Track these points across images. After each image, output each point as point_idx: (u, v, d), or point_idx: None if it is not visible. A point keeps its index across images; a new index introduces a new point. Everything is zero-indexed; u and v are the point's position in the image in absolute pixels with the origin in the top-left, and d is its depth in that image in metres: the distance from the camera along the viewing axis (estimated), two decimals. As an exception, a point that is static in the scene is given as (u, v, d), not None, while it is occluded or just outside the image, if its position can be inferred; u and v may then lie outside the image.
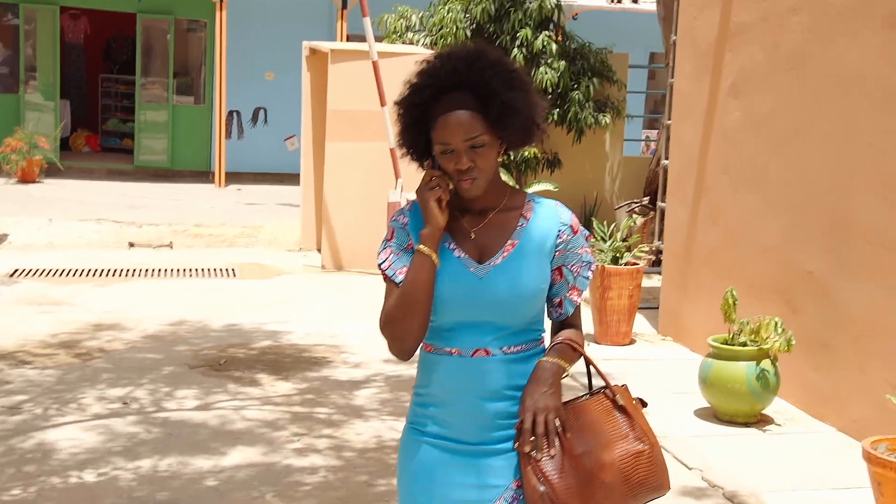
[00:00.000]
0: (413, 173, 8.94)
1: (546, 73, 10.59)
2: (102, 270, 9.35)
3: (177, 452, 4.87)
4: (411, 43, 11.11)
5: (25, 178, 14.20)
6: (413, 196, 8.47)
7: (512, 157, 10.74)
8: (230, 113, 16.30)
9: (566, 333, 2.36)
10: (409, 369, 6.46)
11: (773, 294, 5.99)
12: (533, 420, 2.20)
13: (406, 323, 2.25)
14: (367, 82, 9.38)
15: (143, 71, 16.82)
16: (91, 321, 7.41)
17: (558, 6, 11.07)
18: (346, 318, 7.76)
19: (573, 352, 2.33)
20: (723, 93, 6.55)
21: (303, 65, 10.85)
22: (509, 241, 2.32)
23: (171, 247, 10.77)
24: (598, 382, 2.38)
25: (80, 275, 9.15)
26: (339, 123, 9.78)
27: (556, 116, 10.93)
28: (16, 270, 9.14)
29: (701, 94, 6.83)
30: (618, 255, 7.11)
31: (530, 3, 10.74)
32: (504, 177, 8.27)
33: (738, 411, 5.47)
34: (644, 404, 2.37)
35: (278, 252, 10.73)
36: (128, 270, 9.40)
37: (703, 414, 5.64)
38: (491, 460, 2.28)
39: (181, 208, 12.93)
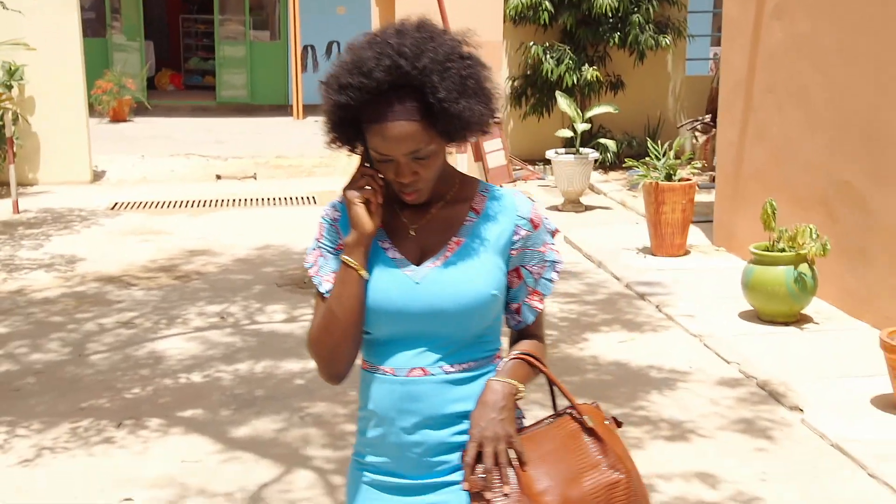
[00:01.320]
0: None
1: (605, -2, 10.89)
2: (193, 202, 10.07)
3: (269, 358, 5.54)
4: (475, -27, 11.45)
5: (116, 118, 15.03)
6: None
7: (576, 81, 11.11)
8: (305, 47, 16.86)
9: (524, 346, 2.03)
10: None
11: (816, 205, 6.37)
12: (481, 452, 1.88)
13: (331, 346, 1.96)
14: (432, 14, 9.80)
15: (220, 9, 17.45)
16: (186, 247, 8.12)
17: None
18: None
19: (529, 368, 1.99)
20: (767, 15, 6.87)
21: (371, 0, 11.32)
22: (454, 239, 1.97)
23: (255, 178, 11.45)
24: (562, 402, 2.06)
25: (174, 206, 9.88)
26: (408, 55, 10.24)
27: (616, 40, 11.24)
28: (116, 204, 9.93)
29: (747, 16, 7.15)
30: (671, 171, 7.52)
31: (589, -71, 11.00)
32: (563, 102, 8.63)
33: (777, 311, 5.92)
34: (619, 424, 2.04)
35: (355, 180, 11.32)
36: (216, 201, 10.11)
37: (746, 316, 6.09)
38: (431, 496, 1.97)
39: (262, 141, 13.60)
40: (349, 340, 1.96)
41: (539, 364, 2.00)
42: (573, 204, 9.59)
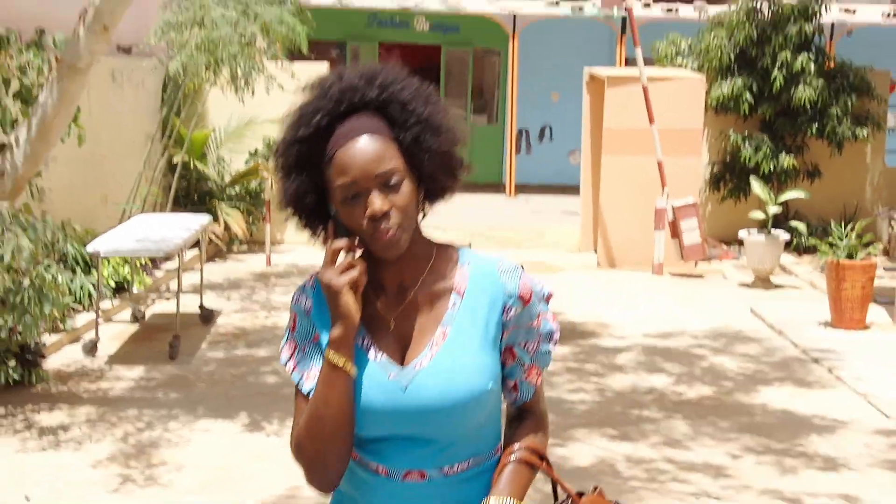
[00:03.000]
0: (678, 182, 10.50)
1: (804, 91, 11.60)
2: (416, 263, 11.39)
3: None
4: (680, 66, 12.44)
5: (349, 189, 16.75)
6: (679, 201, 9.97)
7: (773, 168, 11.79)
8: (520, 131, 18.20)
9: (523, 438, 1.86)
10: (664, 341, 7.89)
11: None
12: None
13: (319, 451, 1.75)
14: (638, 103, 10.86)
15: (445, 94, 19.14)
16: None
17: (818, 30, 12.04)
18: (615, 304, 9.27)
19: (530, 470, 1.84)
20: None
21: (583, 89, 12.46)
22: (440, 330, 1.80)
23: (470, 245, 12.66)
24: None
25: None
26: (614, 140, 11.29)
27: (814, 131, 11.89)
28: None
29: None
30: (853, 251, 8.16)
31: (790, 27, 11.79)
32: (757, 186, 9.61)
33: (942, 380, 6.48)
34: None
35: (559, 252, 12.37)
36: (436, 264, 11.38)
37: (915, 383, 6.67)
38: None
39: (478, 214, 14.88)
40: (338, 444, 1.75)
41: (540, 463, 1.86)
42: (763, 281, 10.25)
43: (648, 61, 13.25)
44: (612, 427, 5.77)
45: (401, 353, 1.80)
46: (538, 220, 14.40)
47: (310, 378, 1.80)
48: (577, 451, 5.42)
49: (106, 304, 8.05)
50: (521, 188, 17.50)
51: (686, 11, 15.74)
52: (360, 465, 1.83)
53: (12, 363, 6.09)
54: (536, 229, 13.57)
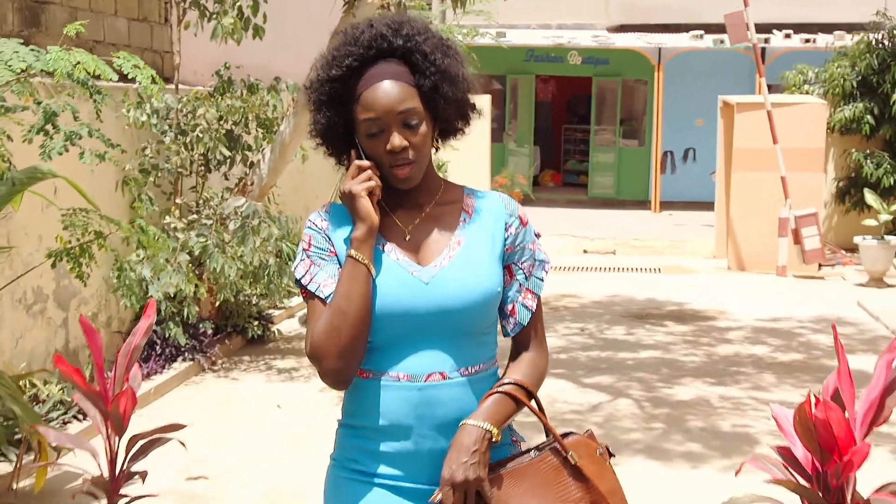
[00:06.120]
0: (802, 195, 12.16)
1: (922, 114, 12.77)
2: (566, 267, 13.07)
3: (611, 350, 8.26)
4: (807, 93, 13.75)
5: (508, 207, 18.61)
6: (800, 212, 11.64)
7: (893, 183, 12.92)
8: (665, 153, 19.68)
9: (517, 369, 2.05)
10: (773, 323, 9.34)
11: None
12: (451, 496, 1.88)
13: (341, 346, 1.90)
14: (764, 126, 12.28)
15: (596, 121, 20.80)
16: (558, 293, 11.06)
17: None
18: (737, 296, 10.73)
19: (513, 404, 1.98)
20: None
21: (718, 114, 13.93)
22: (454, 239, 2.03)
23: (615, 253, 14.30)
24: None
25: (551, 269, 12.91)
26: (743, 158, 12.72)
27: (935, 150, 13.02)
28: (508, 264, 13.17)
29: None
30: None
31: (910, 55, 12.98)
32: (870, 197, 11.06)
33: None
34: (611, 455, 2.03)
35: (695, 259, 13.81)
36: (583, 267, 13.05)
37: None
38: None
39: (623, 228, 16.48)
40: (359, 339, 1.92)
41: (524, 399, 1.99)
42: (876, 282, 11.48)
43: (779, 88, 14.62)
44: (712, 377, 7.35)
45: (418, 259, 2.02)
46: (680, 233, 15.87)
47: (327, 286, 1.98)
48: (681, 390, 7.04)
49: (313, 290, 10.10)
50: (666, 205, 18.95)
51: (823, 41, 16.93)
52: (375, 379, 1.98)
53: (255, 323, 8.17)
54: (677, 240, 15.05)
